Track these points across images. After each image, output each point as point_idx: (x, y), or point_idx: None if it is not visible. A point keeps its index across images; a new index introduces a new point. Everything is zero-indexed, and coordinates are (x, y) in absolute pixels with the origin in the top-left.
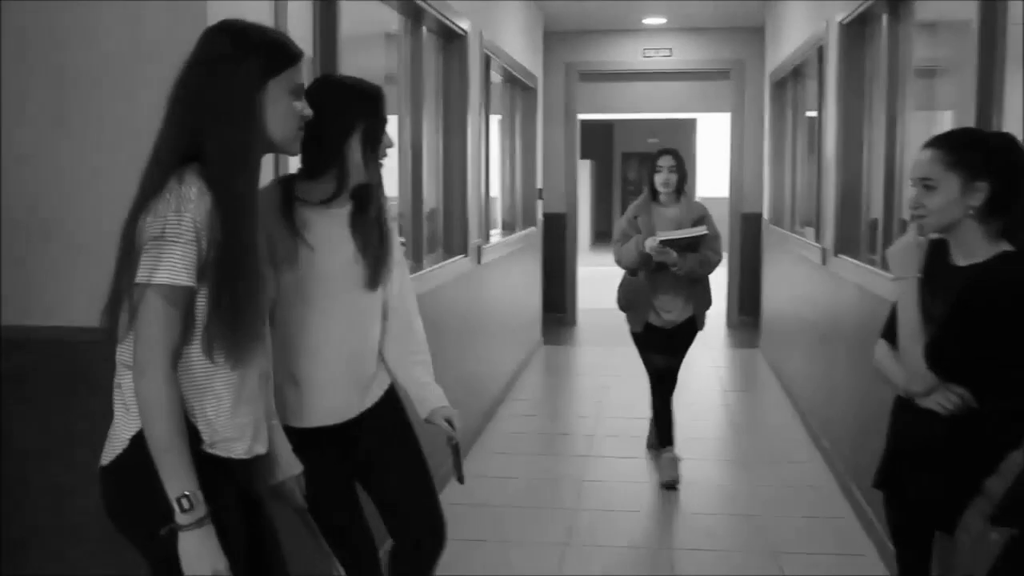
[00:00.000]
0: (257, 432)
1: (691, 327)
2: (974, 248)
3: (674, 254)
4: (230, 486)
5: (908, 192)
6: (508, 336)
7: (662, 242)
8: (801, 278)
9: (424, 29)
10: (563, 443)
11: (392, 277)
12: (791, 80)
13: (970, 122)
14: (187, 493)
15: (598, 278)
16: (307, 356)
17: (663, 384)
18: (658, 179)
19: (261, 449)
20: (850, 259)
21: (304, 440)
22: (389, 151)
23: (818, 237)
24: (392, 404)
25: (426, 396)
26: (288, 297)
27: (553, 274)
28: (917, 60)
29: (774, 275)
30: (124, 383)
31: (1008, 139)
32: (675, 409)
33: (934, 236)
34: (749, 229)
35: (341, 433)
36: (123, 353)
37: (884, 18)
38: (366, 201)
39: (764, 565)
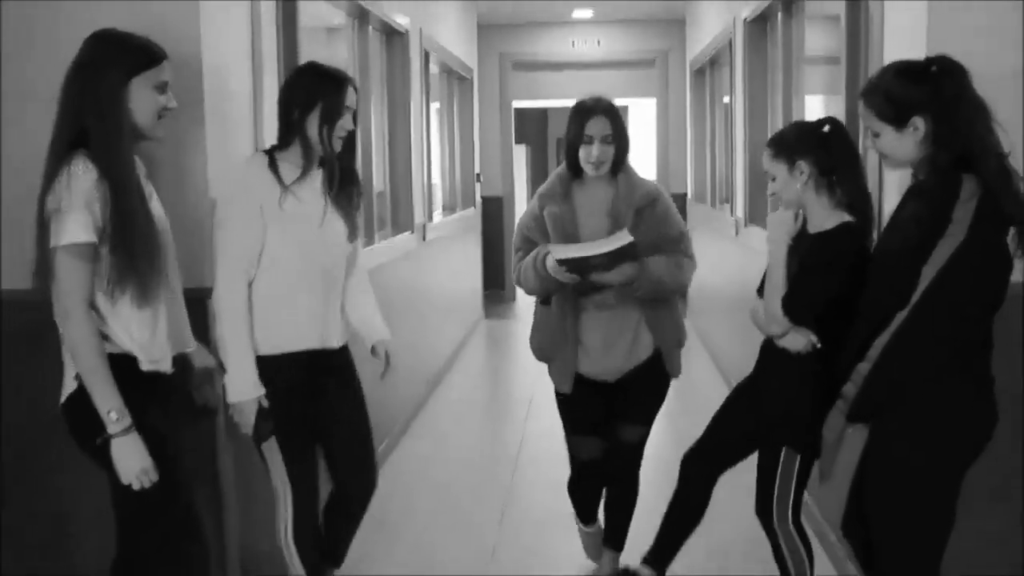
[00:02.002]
0: (166, 354)
1: (655, 375)
2: (821, 219)
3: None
4: (164, 401)
5: None
6: (451, 310)
7: (561, 262)
8: (720, 249)
9: (369, 28)
10: (504, 408)
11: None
12: (709, 69)
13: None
14: (113, 408)
15: None
16: (296, 290)
17: (594, 479)
18: (585, 154)
19: (168, 368)
20: (760, 228)
21: (276, 367)
22: (347, 131)
23: (732, 211)
24: (348, 357)
25: (373, 326)
26: (276, 246)
27: (492, 253)
28: (813, 50)
29: (698, 248)
30: (63, 333)
31: (821, 124)
32: None
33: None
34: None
35: (308, 367)
36: (56, 308)
37: (779, 15)
38: (330, 171)
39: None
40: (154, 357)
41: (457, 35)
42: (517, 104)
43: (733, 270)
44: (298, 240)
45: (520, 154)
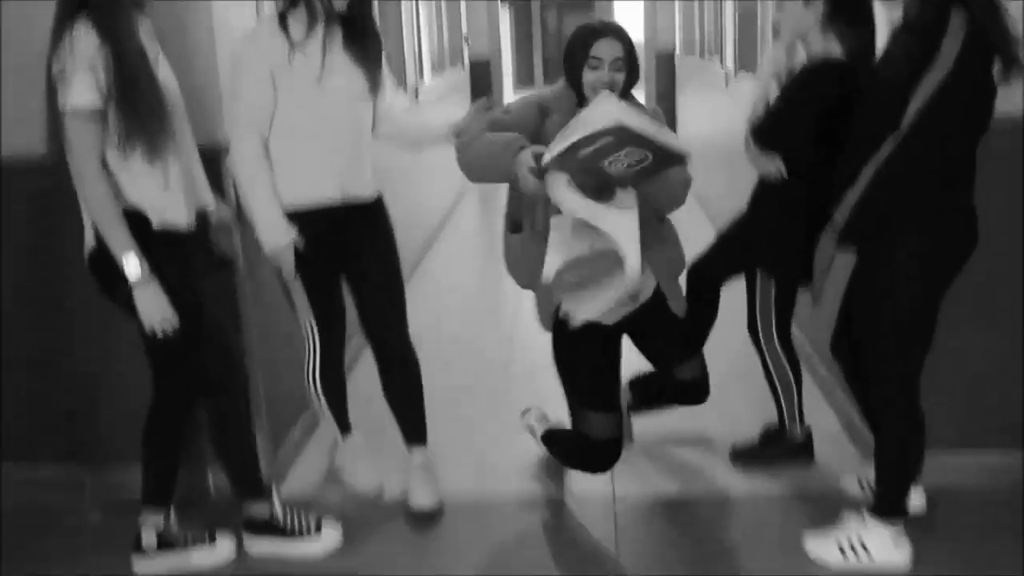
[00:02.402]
0: (191, 209)
1: (657, 307)
2: (815, 54)
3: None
4: (181, 258)
5: None
6: (444, 169)
7: (560, 156)
8: (710, 102)
9: None
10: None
11: (383, 91)
12: None
13: None
14: (129, 258)
15: None
16: (311, 145)
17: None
18: (593, 78)
19: (193, 221)
20: (752, 74)
21: (295, 221)
22: None
23: (722, 61)
24: (379, 210)
25: (431, 129)
26: (288, 103)
27: None
28: None
29: (687, 103)
30: (79, 192)
31: None
32: None
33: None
34: (663, 68)
35: (329, 220)
36: (71, 170)
37: None
38: (350, 24)
39: None
40: (166, 215)
41: None
42: None
43: (723, 122)
44: (309, 96)
45: (504, 14)
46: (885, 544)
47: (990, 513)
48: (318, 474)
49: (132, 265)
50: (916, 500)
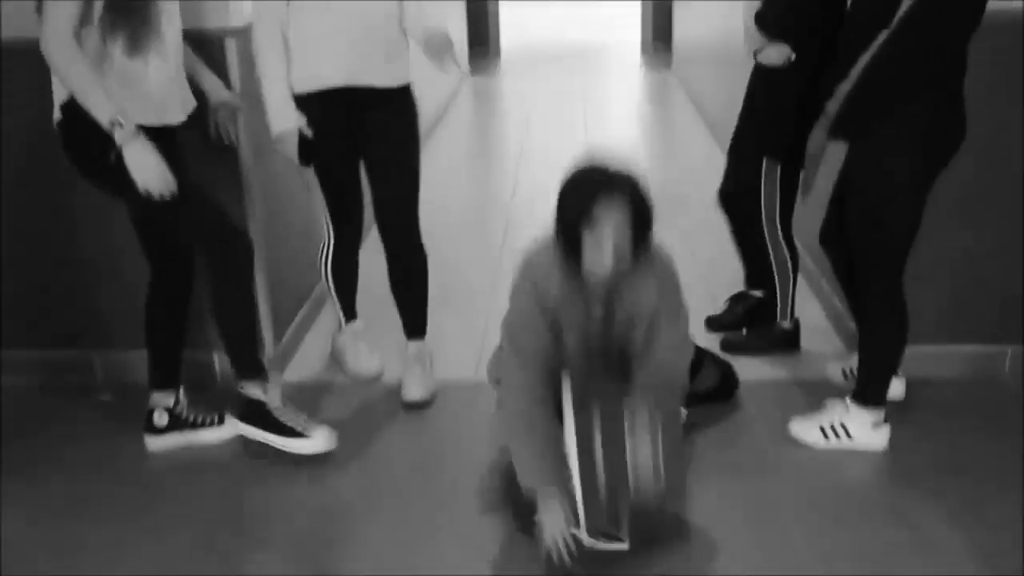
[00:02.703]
0: (166, 108)
1: None
2: None
3: None
4: (169, 151)
5: None
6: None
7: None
8: (705, 6)
9: None
10: (495, 159)
11: None
12: None
13: None
14: (114, 116)
15: (515, 13)
16: (322, 31)
17: None
18: (594, 253)
19: (172, 121)
20: None
21: (309, 105)
22: None
23: None
24: (400, 99)
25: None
26: None
27: (477, 11)
28: None
29: (683, 4)
30: (49, 63)
31: None
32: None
33: None
34: None
35: (342, 105)
36: (41, 43)
37: None
38: None
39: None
40: (144, 111)
41: None
42: None
43: (718, 20)
44: None
45: None
46: (865, 428)
47: (967, 402)
48: (320, 360)
49: (120, 123)
50: (897, 388)
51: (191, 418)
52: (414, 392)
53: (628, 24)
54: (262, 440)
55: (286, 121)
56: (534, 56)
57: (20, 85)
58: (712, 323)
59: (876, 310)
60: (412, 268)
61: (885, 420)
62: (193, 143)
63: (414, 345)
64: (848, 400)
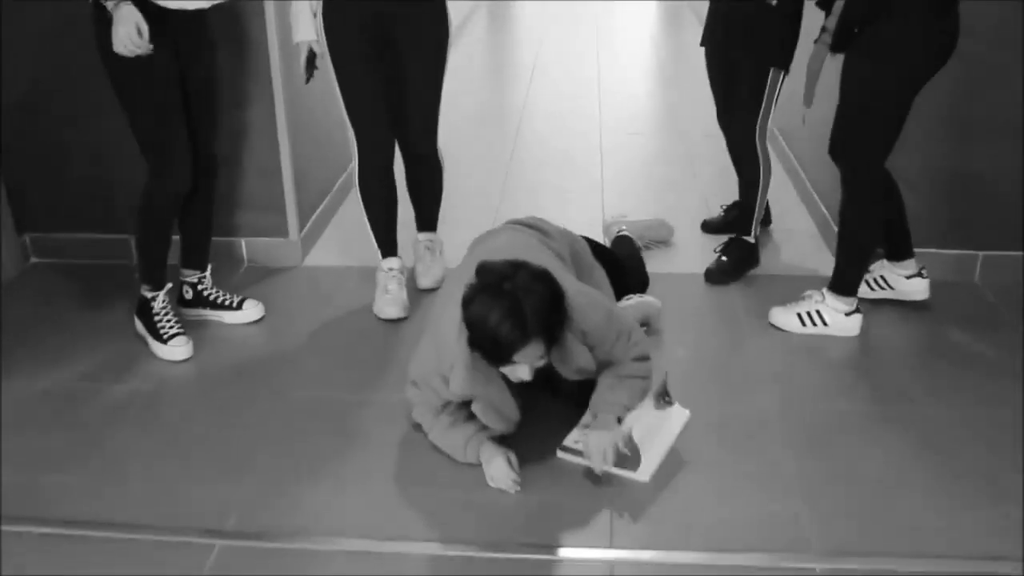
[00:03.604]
0: None
1: None
2: None
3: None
4: (164, 33)
5: None
6: None
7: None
8: None
9: None
10: (508, 73)
11: None
12: None
13: None
14: None
15: None
16: None
17: None
18: (510, 373)
19: (190, 5)
20: None
21: (352, 12)
22: None
23: None
24: (432, 15)
25: None
26: None
27: None
28: None
29: None
30: None
31: None
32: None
33: None
34: None
35: (381, 16)
36: None
37: None
38: None
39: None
40: None
41: None
42: None
43: None
44: None
45: None
46: (839, 316)
47: (942, 297)
48: (337, 249)
49: None
50: (920, 285)
51: (214, 296)
52: (425, 280)
53: None
54: (141, 335)
55: (299, 32)
56: None
57: None
58: (706, 226)
59: (853, 193)
60: (429, 172)
61: (857, 310)
62: (222, 32)
63: (425, 236)
64: (824, 290)
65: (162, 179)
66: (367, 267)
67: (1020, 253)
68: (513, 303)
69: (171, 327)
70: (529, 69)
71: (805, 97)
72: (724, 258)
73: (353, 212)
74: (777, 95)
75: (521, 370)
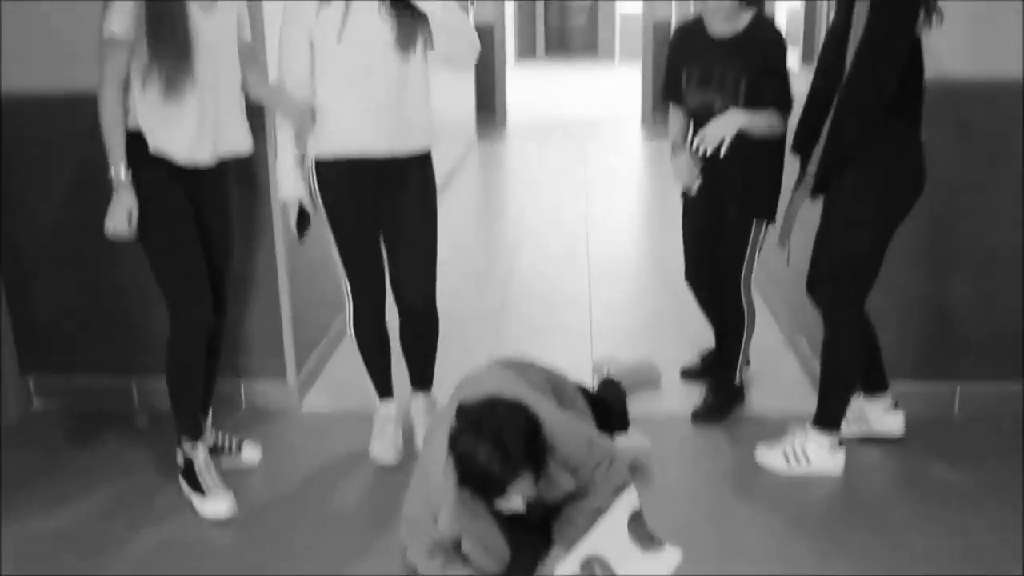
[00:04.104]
0: (195, 150)
1: None
2: (736, 20)
3: None
4: (176, 183)
5: None
6: (446, 133)
7: None
8: None
9: None
10: (498, 215)
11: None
12: None
13: None
14: (115, 166)
15: (521, 90)
16: (339, 97)
17: None
18: (505, 505)
19: (201, 162)
20: None
21: (331, 170)
22: None
23: None
24: (426, 171)
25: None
26: (321, 57)
27: (484, 79)
28: None
29: None
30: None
31: None
32: (588, 185)
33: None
34: (659, 36)
35: (362, 171)
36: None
37: None
38: None
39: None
40: (169, 146)
41: None
42: None
43: None
44: (330, 49)
45: None
46: (822, 452)
47: (919, 433)
48: (336, 391)
49: (116, 172)
50: (896, 422)
51: (213, 439)
52: (418, 440)
53: (629, 96)
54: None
55: (287, 190)
56: (540, 124)
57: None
58: (685, 374)
59: (835, 337)
60: (424, 328)
61: (840, 443)
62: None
63: (420, 396)
64: (808, 425)
65: (185, 319)
66: (364, 409)
67: (998, 383)
68: (496, 439)
69: (214, 482)
70: (521, 211)
71: (781, 238)
72: (710, 399)
73: (349, 353)
74: (761, 246)
75: (514, 501)
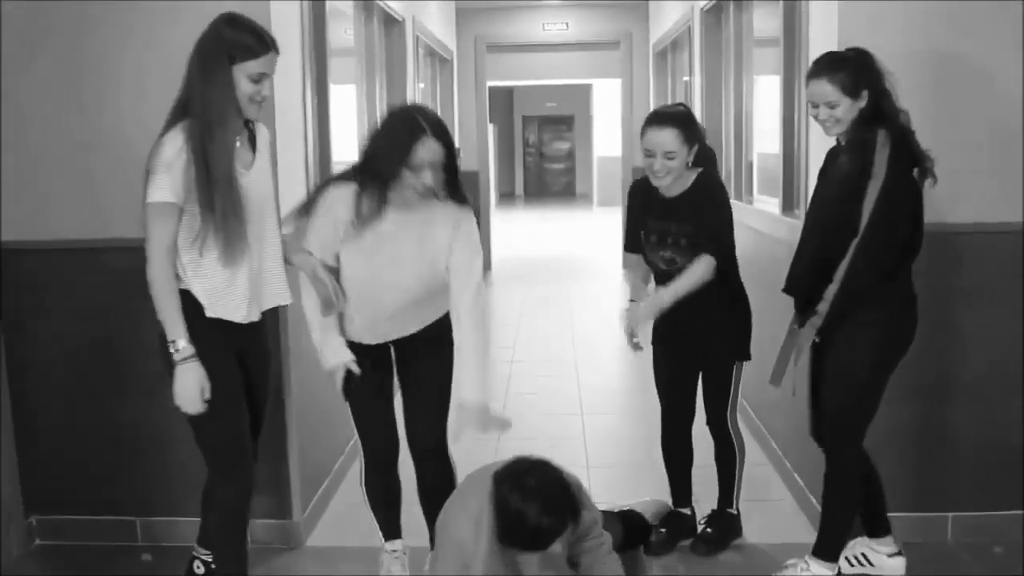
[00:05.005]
0: (253, 308)
1: None
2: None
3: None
4: (227, 342)
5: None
6: None
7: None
8: None
9: (374, 18)
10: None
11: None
12: (670, 51)
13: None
14: (174, 340)
15: (503, 232)
16: (364, 303)
17: None
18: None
19: (255, 318)
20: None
21: (359, 351)
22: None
23: None
24: (433, 337)
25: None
26: (347, 260)
27: None
28: (762, 32)
29: None
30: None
31: (686, 111)
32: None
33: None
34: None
35: (374, 352)
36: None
37: (731, 5)
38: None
39: None
40: (224, 310)
41: (439, 19)
42: (491, 84)
43: None
44: (359, 260)
45: (491, 132)
46: None
47: (926, 561)
48: (342, 527)
49: (179, 347)
50: (898, 565)
51: None
52: None
53: (609, 238)
54: None
55: (336, 356)
56: (524, 266)
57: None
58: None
59: (836, 471)
60: (440, 481)
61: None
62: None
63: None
64: (807, 557)
65: (233, 483)
66: (369, 547)
67: (992, 513)
68: (545, 498)
69: None
70: (509, 354)
71: (775, 376)
72: (709, 530)
73: (354, 490)
74: (739, 381)
75: (554, 549)
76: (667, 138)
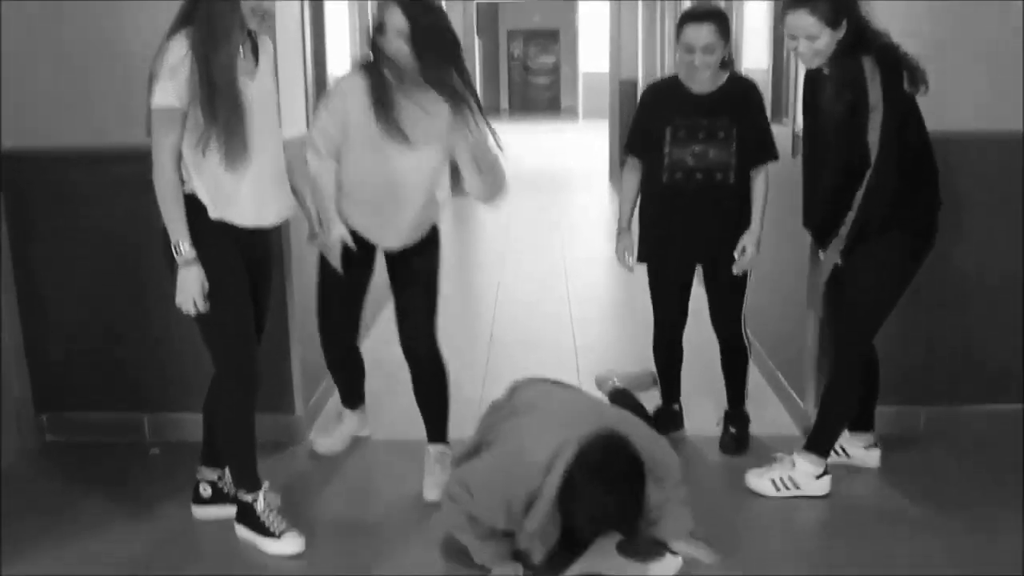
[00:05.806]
0: (260, 213)
1: None
2: (717, 78)
3: None
4: (232, 245)
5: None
6: None
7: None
8: None
9: None
10: (478, 265)
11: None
12: None
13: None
14: (180, 242)
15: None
16: (361, 192)
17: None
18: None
19: (266, 224)
20: None
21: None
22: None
23: None
24: (432, 237)
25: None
26: (351, 152)
27: None
28: None
29: None
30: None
31: (721, 10)
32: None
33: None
34: (626, 94)
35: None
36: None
37: None
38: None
39: None
40: (227, 212)
41: None
42: None
43: None
44: (362, 152)
45: (476, 46)
46: (809, 479)
47: (899, 451)
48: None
49: (182, 249)
50: (872, 457)
51: (232, 493)
52: (431, 493)
53: (596, 152)
54: (247, 539)
55: (338, 229)
56: (511, 180)
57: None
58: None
59: (841, 374)
60: (433, 378)
61: (826, 471)
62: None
63: (435, 448)
64: (795, 453)
65: (237, 379)
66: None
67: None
68: (622, 495)
69: (280, 522)
70: (499, 261)
71: (811, 297)
72: (735, 430)
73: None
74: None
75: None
76: (706, 33)
